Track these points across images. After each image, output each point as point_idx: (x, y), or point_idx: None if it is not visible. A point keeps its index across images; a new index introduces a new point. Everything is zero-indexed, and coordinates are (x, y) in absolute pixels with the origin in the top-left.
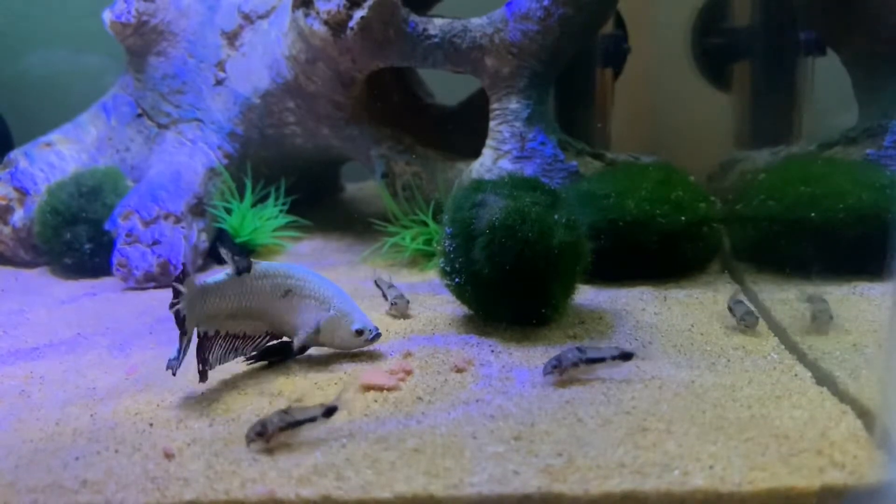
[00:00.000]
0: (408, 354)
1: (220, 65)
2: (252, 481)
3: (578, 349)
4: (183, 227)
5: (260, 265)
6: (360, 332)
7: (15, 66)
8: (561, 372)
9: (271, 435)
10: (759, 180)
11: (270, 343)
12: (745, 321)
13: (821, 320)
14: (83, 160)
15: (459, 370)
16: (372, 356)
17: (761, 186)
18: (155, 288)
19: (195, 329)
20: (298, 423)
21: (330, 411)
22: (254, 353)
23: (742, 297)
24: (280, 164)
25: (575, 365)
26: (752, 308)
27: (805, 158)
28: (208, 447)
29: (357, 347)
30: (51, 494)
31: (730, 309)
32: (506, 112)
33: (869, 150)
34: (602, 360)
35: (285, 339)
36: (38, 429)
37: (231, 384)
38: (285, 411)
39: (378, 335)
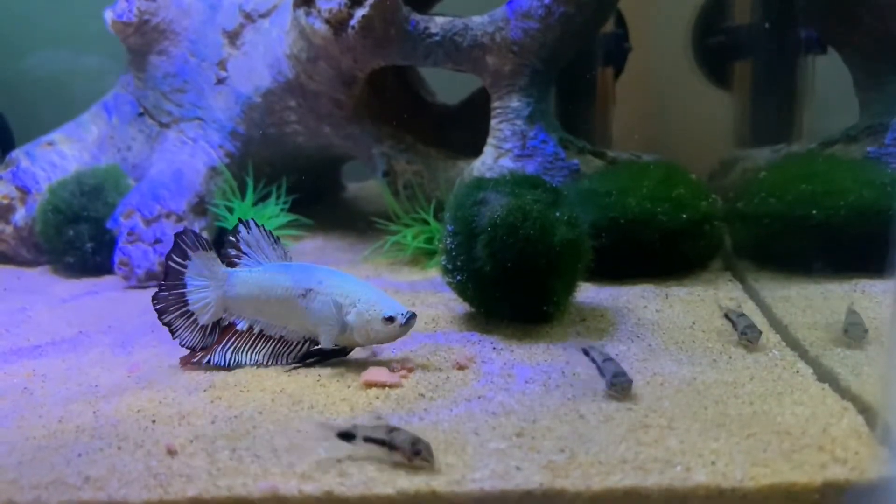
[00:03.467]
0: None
1: (222, 64)
2: (255, 477)
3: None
4: (184, 226)
5: (279, 263)
6: (390, 320)
7: (17, 65)
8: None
9: None
10: (760, 178)
11: (311, 348)
12: (746, 335)
13: (854, 333)
14: (85, 159)
15: (461, 367)
16: (374, 353)
17: (762, 184)
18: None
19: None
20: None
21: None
22: (296, 362)
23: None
24: (281, 163)
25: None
26: (753, 321)
27: (806, 156)
28: (211, 443)
29: (394, 337)
30: (54, 491)
31: (731, 321)
32: (507, 110)
33: (870, 148)
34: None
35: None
36: (41, 426)
37: (233, 382)
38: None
39: (412, 316)
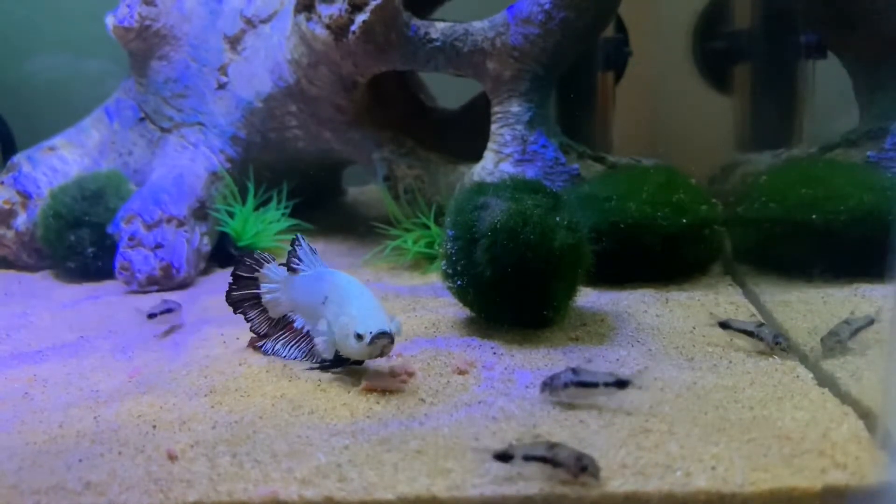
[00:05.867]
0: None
1: (223, 69)
2: (255, 482)
3: (573, 370)
4: (185, 231)
5: (317, 269)
6: (359, 337)
7: (18, 70)
8: (551, 392)
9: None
10: (760, 183)
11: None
12: (780, 344)
13: (828, 343)
14: (86, 164)
15: (462, 372)
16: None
17: (762, 189)
18: (157, 291)
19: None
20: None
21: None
22: (315, 364)
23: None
24: (282, 168)
25: (565, 386)
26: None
27: (806, 161)
28: (211, 449)
29: (365, 355)
30: (54, 496)
31: (750, 333)
32: (507, 115)
33: (870, 153)
34: (594, 385)
35: None
36: (42, 431)
37: (233, 387)
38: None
39: (381, 335)
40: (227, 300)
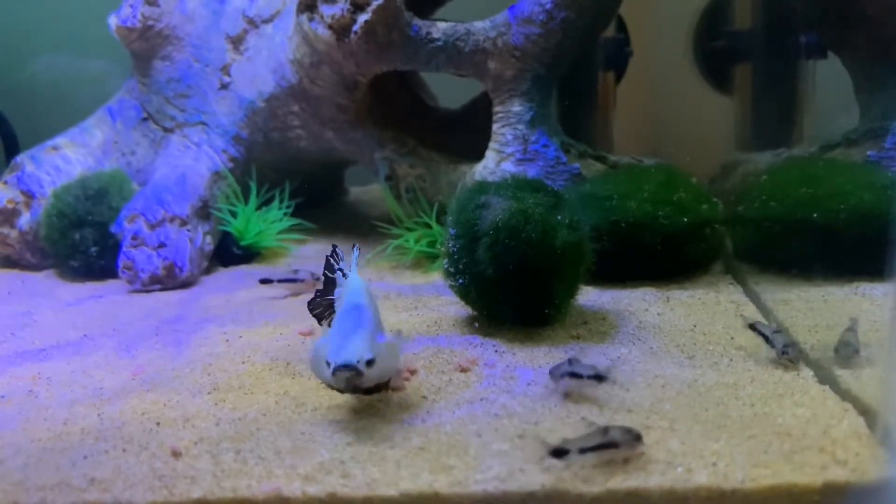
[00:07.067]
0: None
1: (225, 69)
2: (258, 479)
3: (569, 361)
4: (188, 230)
5: (349, 276)
6: (328, 365)
7: (21, 70)
8: (553, 378)
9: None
10: (760, 182)
11: None
12: (787, 354)
13: (844, 353)
14: (89, 164)
15: (464, 370)
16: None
17: (763, 188)
18: (160, 290)
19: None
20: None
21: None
22: None
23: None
24: (284, 168)
25: (562, 376)
26: (792, 339)
27: (806, 160)
28: (215, 445)
29: (333, 385)
30: (59, 493)
31: (766, 339)
32: (509, 115)
33: (870, 152)
34: (580, 376)
35: None
36: (46, 428)
37: (237, 384)
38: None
39: (342, 368)
40: (308, 309)
